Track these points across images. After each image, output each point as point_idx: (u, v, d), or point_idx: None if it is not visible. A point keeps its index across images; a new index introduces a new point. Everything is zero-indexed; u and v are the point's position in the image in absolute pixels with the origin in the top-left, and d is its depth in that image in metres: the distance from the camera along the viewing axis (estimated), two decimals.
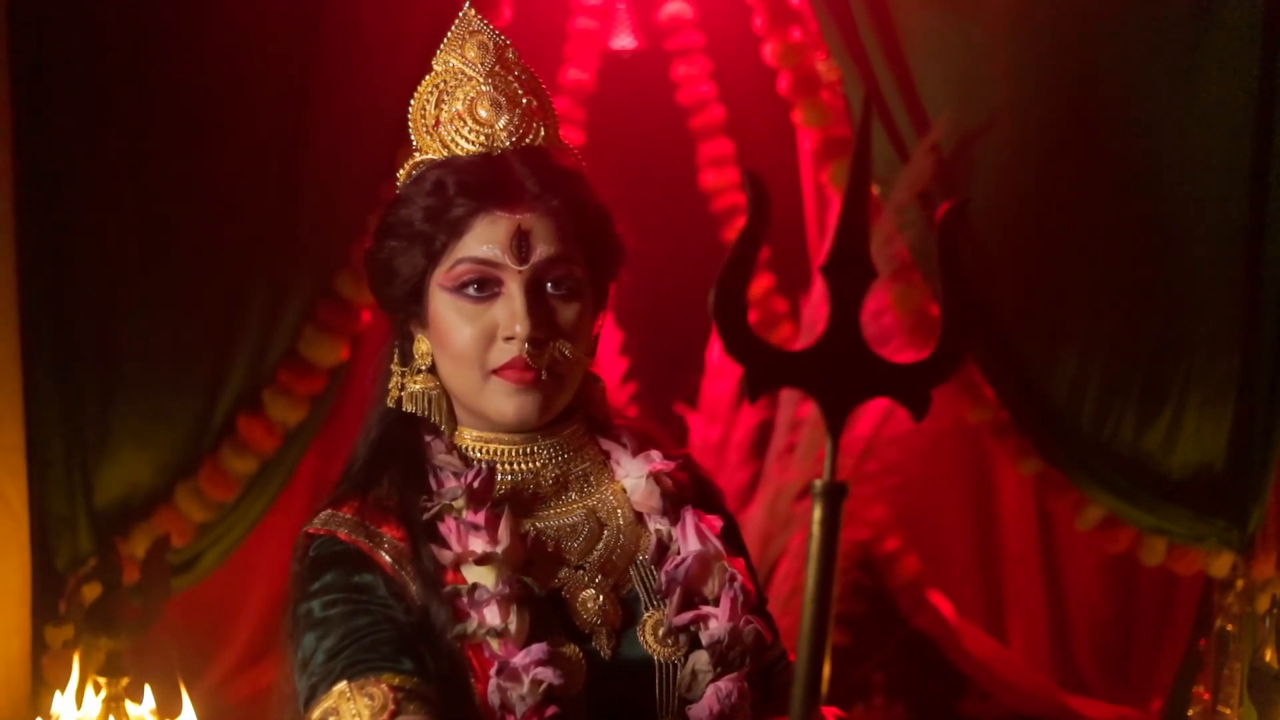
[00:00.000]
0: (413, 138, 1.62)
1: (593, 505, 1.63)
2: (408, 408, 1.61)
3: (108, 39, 3.06)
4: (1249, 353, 3.15)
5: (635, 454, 1.65)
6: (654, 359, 3.96)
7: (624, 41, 4.00)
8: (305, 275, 3.19)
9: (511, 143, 1.58)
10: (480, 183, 1.55)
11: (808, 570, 1.10)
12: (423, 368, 1.61)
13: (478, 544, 1.52)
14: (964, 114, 3.21)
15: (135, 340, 3.10)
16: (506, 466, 1.60)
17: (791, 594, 3.63)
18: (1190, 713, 3.21)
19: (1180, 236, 3.18)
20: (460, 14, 1.63)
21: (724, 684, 1.54)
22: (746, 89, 3.86)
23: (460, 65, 1.60)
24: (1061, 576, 3.85)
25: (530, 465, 1.61)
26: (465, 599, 1.49)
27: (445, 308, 1.57)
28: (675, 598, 1.57)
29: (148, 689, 2.98)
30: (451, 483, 1.56)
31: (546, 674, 1.46)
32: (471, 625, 1.49)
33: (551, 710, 1.47)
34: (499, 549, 1.51)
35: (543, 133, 1.60)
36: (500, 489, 1.58)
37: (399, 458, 1.60)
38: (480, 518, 1.52)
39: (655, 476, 1.63)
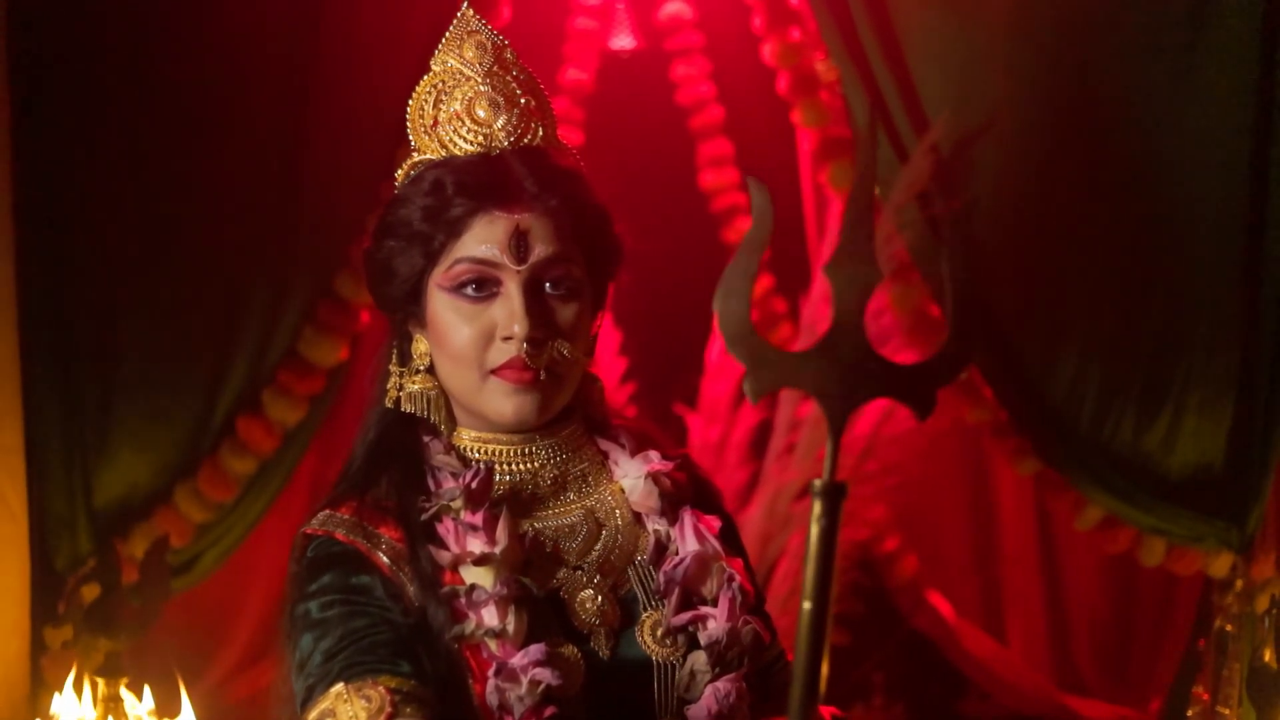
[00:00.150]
0: (411, 138, 1.62)
1: (591, 505, 1.63)
2: (406, 408, 1.61)
3: (107, 39, 3.06)
4: (1248, 353, 3.16)
5: (634, 454, 1.65)
6: (653, 359, 3.96)
7: (623, 41, 4.00)
8: (305, 275, 3.18)
9: (510, 143, 1.58)
10: (479, 182, 1.55)
11: (807, 570, 1.10)
12: (421, 368, 1.61)
13: (476, 545, 1.52)
14: (963, 114, 3.21)
15: (135, 341, 3.10)
16: (505, 467, 1.60)
17: (790, 594, 3.63)
18: (1189, 713, 3.21)
19: (1179, 236, 3.18)
20: (458, 14, 1.63)
21: (722, 684, 1.54)
22: (746, 89, 3.86)
23: (458, 65, 1.60)
24: (1061, 577, 3.85)
25: (528, 465, 1.61)
26: (463, 600, 1.49)
27: (444, 307, 1.57)
28: (673, 598, 1.57)
29: (147, 689, 2.98)
30: (450, 483, 1.56)
31: (545, 675, 1.46)
32: (469, 626, 1.49)
33: (550, 711, 1.47)
34: (497, 550, 1.51)
35: (541, 133, 1.60)
36: (498, 489, 1.58)
37: (397, 458, 1.60)
38: (478, 518, 1.52)
39: (653, 477, 1.63)
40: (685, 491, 1.66)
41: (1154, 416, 3.22)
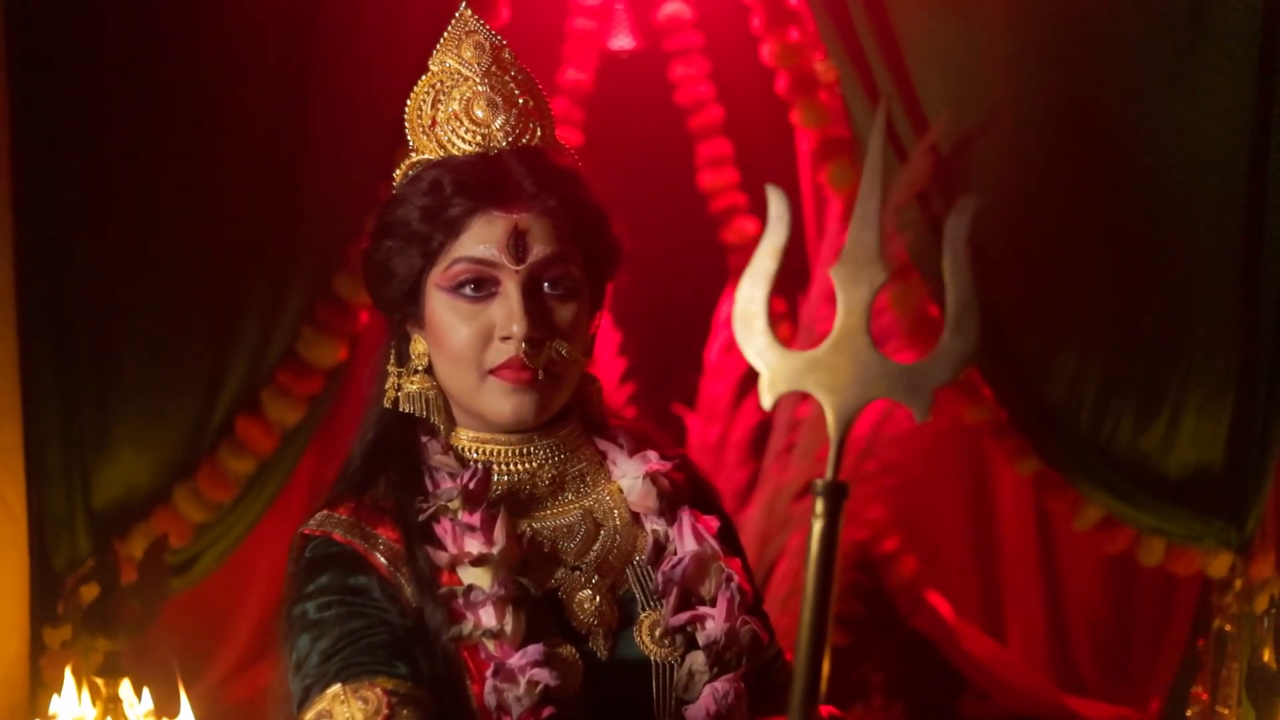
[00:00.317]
0: (409, 138, 1.62)
1: (589, 506, 1.62)
2: (404, 408, 1.61)
3: (106, 40, 3.06)
4: (1247, 352, 3.16)
5: (632, 454, 1.65)
6: (652, 359, 3.96)
7: (622, 42, 4.00)
8: (303, 276, 3.18)
9: (508, 143, 1.58)
10: (477, 182, 1.55)
11: (807, 569, 1.10)
12: (419, 368, 1.61)
13: (473, 545, 1.51)
14: (962, 114, 3.21)
15: (134, 340, 3.10)
16: (503, 467, 1.60)
17: (790, 594, 3.63)
18: (1189, 713, 3.21)
19: (1179, 236, 3.18)
20: (456, 14, 1.63)
21: (720, 684, 1.54)
22: (745, 89, 3.86)
23: (457, 65, 1.60)
24: (1060, 577, 3.85)
25: (527, 466, 1.60)
26: (461, 600, 1.49)
27: (442, 307, 1.56)
28: (672, 598, 1.57)
29: (146, 690, 2.98)
30: (447, 484, 1.56)
31: (543, 675, 1.46)
32: (467, 627, 1.49)
33: (548, 711, 1.46)
34: (495, 550, 1.51)
35: (539, 133, 1.60)
36: (497, 489, 1.58)
37: (395, 459, 1.60)
38: (476, 519, 1.52)
39: (652, 477, 1.63)
40: (683, 491, 1.66)
41: (1153, 416, 3.22)
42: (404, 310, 1.61)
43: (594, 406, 1.68)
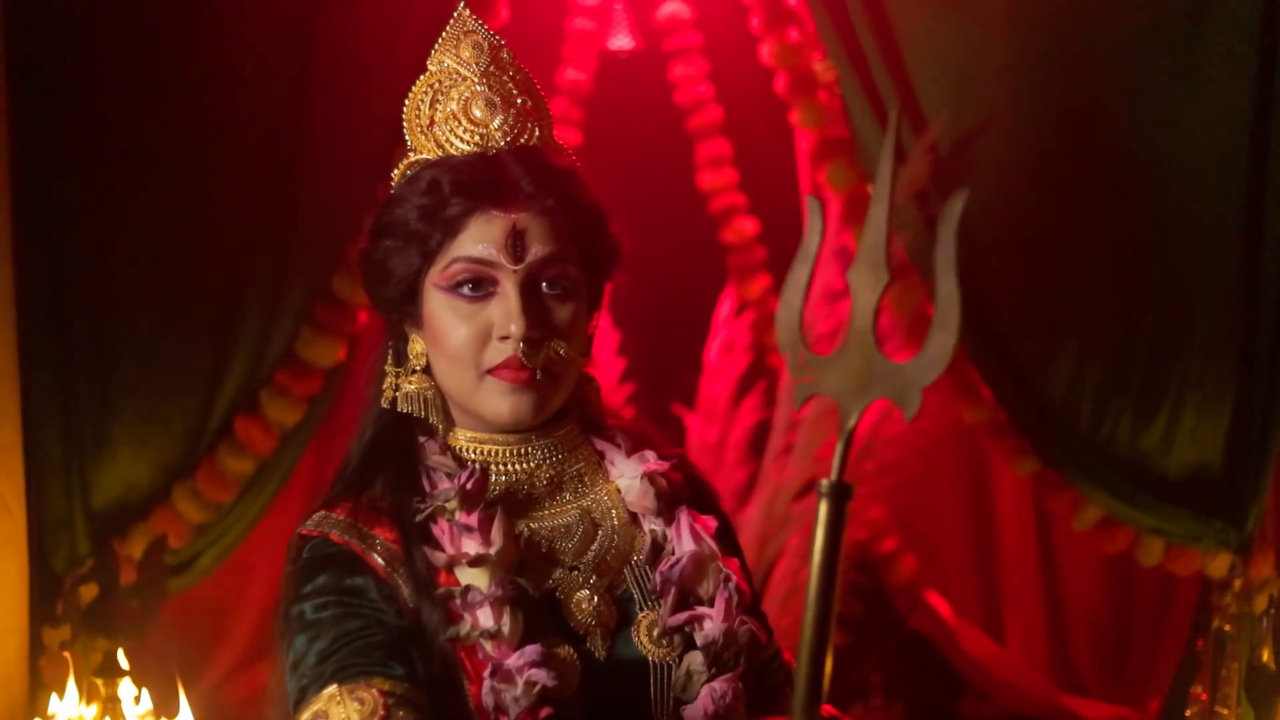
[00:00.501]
0: (407, 138, 1.62)
1: (587, 506, 1.62)
2: (402, 408, 1.61)
3: (105, 40, 3.06)
4: (1246, 353, 3.16)
5: (630, 454, 1.65)
6: (652, 359, 3.97)
7: (621, 42, 4.01)
8: (302, 276, 3.19)
9: (506, 142, 1.57)
10: (475, 182, 1.54)
11: (811, 569, 1.10)
12: (417, 368, 1.61)
13: (471, 546, 1.51)
14: (961, 114, 3.21)
15: (133, 341, 3.10)
16: (501, 467, 1.60)
17: (789, 594, 3.64)
18: (1188, 713, 3.21)
19: (1178, 236, 3.18)
20: (455, 14, 1.63)
21: (718, 684, 1.54)
22: (744, 89, 3.87)
23: (455, 65, 1.60)
24: (1059, 577, 3.86)
25: (525, 466, 1.60)
26: (458, 601, 1.49)
27: (440, 307, 1.56)
28: (670, 598, 1.57)
29: (145, 690, 2.98)
30: (445, 484, 1.56)
31: (540, 675, 1.46)
32: (465, 627, 1.48)
33: (546, 712, 1.46)
34: (492, 550, 1.51)
35: (537, 133, 1.60)
36: (494, 489, 1.58)
37: (393, 459, 1.59)
38: (473, 519, 1.52)
39: (650, 477, 1.62)
40: (681, 491, 1.66)
41: (1152, 416, 3.22)
42: (402, 310, 1.61)
43: (592, 406, 1.68)
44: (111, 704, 2.96)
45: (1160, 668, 3.64)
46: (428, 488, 1.57)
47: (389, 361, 1.64)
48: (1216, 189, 3.13)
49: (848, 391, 1.13)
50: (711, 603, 1.58)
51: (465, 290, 1.55)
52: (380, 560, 1.52)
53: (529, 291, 1.55)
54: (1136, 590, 3.73)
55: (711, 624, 1.56)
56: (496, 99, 1.58)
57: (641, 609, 1.58)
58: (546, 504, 1.61)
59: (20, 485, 3.03)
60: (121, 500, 3.14)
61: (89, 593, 3.06)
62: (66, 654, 3.03)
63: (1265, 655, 2.94)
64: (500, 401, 1.55)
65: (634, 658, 1.56)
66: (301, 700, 1.45)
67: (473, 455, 1.60)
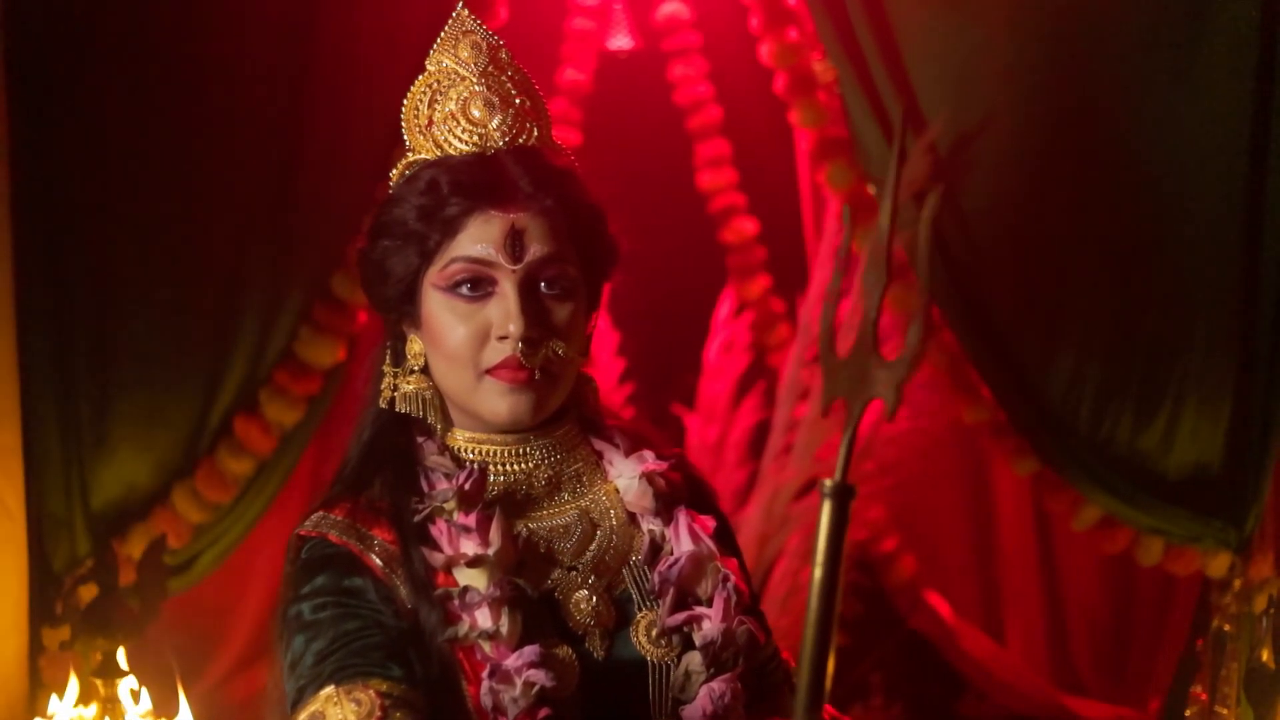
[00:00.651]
0: (406, 137, 1.62)
1: (585, 506, 1.62)
2: (400, 408, 1.61)
3: (104, 40, 3.06)
4: (1246, 352, 3.15)
5: (628, 454, 1.65)
6: (651, 359, 3.97)
7: (621, 42, 4.01)
8: (301, 276, 3.18)
9: (505, 143, 1.58)
10: (474, 182, 1.55)
11: (813, 569, 1.10)
12: (415, 368, 1.61)
13: (469, 546, 1.51)
14: (961, 113, 3.21)
15: (132, 341, 3.10)
16: (499, 467, 1.60)
17: (789, 594, 3.64)
18: (1187, 713, 3.21)
19: (1177, 236, 3.18)
20: (454, 14, 1.63)
21: (717, 685, 1.54)
22: (743, 89, 3.87)
23: (453, 65, 1.60)
24: (1059, 577, 3.86)
25: (523, 466, 1.60)
26: (457, 601, 1.49)
27: (439, 307, 1.56)
28: (668, 598, 1.57)
29: (144, 690, 2.98)
30: (443, 484, 1.56)
31: (539, 676, 1.46)
32: (463, 628, 1.49)
33: (544, 712, 1.46)
34: (490, 551, 1.51)
35: (536, 133, 1.60)
36: (493, 490, 1.58)
37: (391, 459, 1.60)
38: (471, 520, 1.52)
39: (648, 477, 1.63)
40: (680, 491, 1.66)
41: (1152, 416, 3.22)
42: (400, 310, 1.61)
43: (590, 406, 1.69)
44: (111, 704, 2.96)
45: (1160, 667, 3.64)
46: (426, 488, 1.57)
47: (387, 361, 1.64)
48: (1216, 189, 3.13)
49: (851, 392, 1.14)
50: (710, 603, 1.58)
51: (464, 290, 1.55)
52: (378, 561, 1.52)
53: (527, 291, 1.55)
54: (1136, 590, 3.73)
55: (710, 624, 1.56)
56: (495, 99, 1.58)
57: (640, 609, 1.58)
58: (545, 504, 1.61)
59: (20, 485, 3.02)
60: (121, 500, 3.13)
61: (88, 593, 3.06)
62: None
63: (1265, 655, 2.94)
64: (499, 401, 1.55)
65: (632, 658, 1.56)
66: (299, 701, 1.45)
67: (471, 455, 1.60)
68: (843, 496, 1.11)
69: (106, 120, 3.08)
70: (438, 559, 1.52)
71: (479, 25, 1.63)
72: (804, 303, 3.75)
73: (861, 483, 3.63)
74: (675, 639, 1.56)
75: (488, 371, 1.55)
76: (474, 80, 1.59)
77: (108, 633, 3.01)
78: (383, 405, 1.62)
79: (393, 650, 1.47)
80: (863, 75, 3.25)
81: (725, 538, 1.67)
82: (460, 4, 1.64)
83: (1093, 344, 3.24)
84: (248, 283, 3.16)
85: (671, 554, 1.60)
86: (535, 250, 1.55)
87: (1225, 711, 3.08)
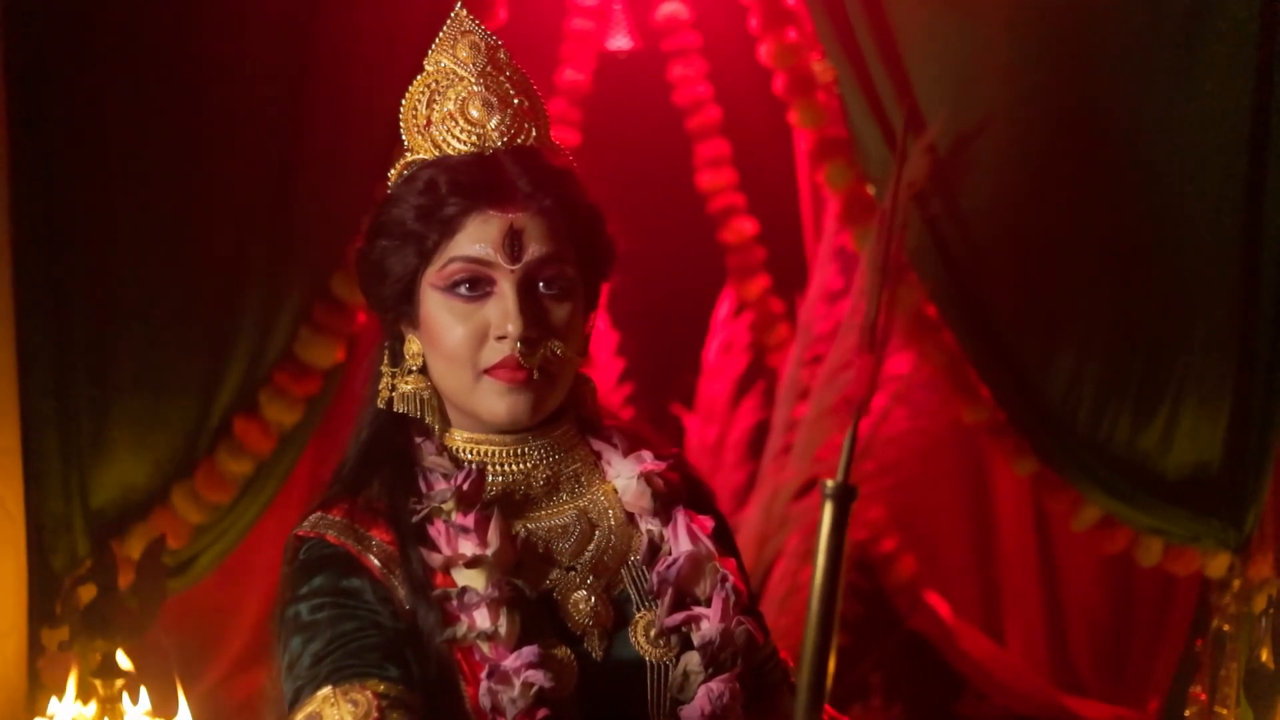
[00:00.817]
0: (404, 137, 1.62)
1: (584, 506, 1.62)
2: (398, 408, 1.61)
3: (103, 41, 3.06)
4: (1245, 352, 3.15)
5: (626, 454, 1.65)
6: (651, 359, 3.97)
7: (620, 42, 4.01)
8: (301, 277, 3.18)
9: (503, 143, 1.58)
10: (472, 182, 1.55)
11: (814, 570, 1.11)
12: (413, 368, 1.61)
13: (467, 547, 1.51)
14: (960, 113, 3.21)
15: (131, 342, 3.10)
16: (497, 467, 1.59)
17: (788, 594, 3.64)
18: (1187, 713, 3.20)
19: (1176, 236, 3.18)
20: (452, 14, 1.63)
21: (716, 685, 1.54)
22: (743, 89, 3.87)
23: (452, 65, 1.60)
24: (1058, 577, 3.86)
25: (521, 466, 1.60)
26: (455, 602, 1.49)
27: (437, 307, 1.56)
28: (667, 598, 1.57)
29: (144, 690, 2.98)
30: (441, 485, 1.55)
31: (537, 676, 1.46)
32: (461, 629, 1.48)
33: (543, 713, 1.46)
34: (489, 551, 1.51)
35: (534, 133, 1.60)
36: (491, 490, 1.58)
37: (389, 459, 1.59)
38: (470, 520, 1.52)
39: (646, 477, 1.62)
40: (678, 491, 1.66)
41: (1151, 416, 3.21)
42: (398, 310, 1.61)
43: (588, 406, 1.68)
44: (110, 704, 2.96)
45: (1159, 668, 3.64)
46: (424, 489, 1.57)
47: (385, 361, 1.63)
48: (1216, 189, 3.12)
49: (852, 393, 1.15)
50: (708, 603, 1.58)
51: (462, 290, 1.55)
52: (376, 561, 1.52)
53: (526, 291, 1.55)
54: (1136, 590, 3.73)
55: (708, 624, 1.56)
56: (493, 99, 1.58)
57: (639, 609, 1.58)
58: (543, 504, 1.61)
59: (19, 486, 3.02)
60: (120, 501, 3.13)
61: (88, 593, 3.05)
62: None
63: (1264, 655, 2.94)
64: (497, 401, 1.55)
65: (631, 658, 1.56)
66: (296, 701, 1.45)
67: (469, 456, 1.60)
68: (844, 497, 1.11)
69: (106, 120, 3.08)
70: (436, 559, 1.51)
71: (477, 25, 1.63)
72: (803, 303, 3.75)
73: (861, 483, 3.62)
74: (674, 639, 1.56)
75: (486, 371, 1.55)
76: (472, 80, 1.59)
77: (107, 633, 3.01)
78: (381, 405, 1.62)
79: (390, 651, 1.47)
80: (862, 75, 3.25)
81: (723, 538, 1.67)
82: (458, 4, 1.64)
83: (1092, 344, 3.24)
84: (247, 283, 3.16)
85: (670, 554, 1.60)
86: (534, 250, 1.54)
87: (1225, 711, 3.07)
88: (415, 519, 1.54)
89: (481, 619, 1.48)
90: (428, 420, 1.61)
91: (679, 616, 1.56)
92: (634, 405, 3.84)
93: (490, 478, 1.58)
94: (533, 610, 1.52)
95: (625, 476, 1.63)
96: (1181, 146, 3.13)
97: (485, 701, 1.47)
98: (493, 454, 1.60)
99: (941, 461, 3.87)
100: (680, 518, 1.62)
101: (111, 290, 3.10)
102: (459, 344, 1.55)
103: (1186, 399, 3.19)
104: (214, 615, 3.42)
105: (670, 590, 1.57)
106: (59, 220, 3.06)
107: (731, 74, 3.92)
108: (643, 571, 1.60)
